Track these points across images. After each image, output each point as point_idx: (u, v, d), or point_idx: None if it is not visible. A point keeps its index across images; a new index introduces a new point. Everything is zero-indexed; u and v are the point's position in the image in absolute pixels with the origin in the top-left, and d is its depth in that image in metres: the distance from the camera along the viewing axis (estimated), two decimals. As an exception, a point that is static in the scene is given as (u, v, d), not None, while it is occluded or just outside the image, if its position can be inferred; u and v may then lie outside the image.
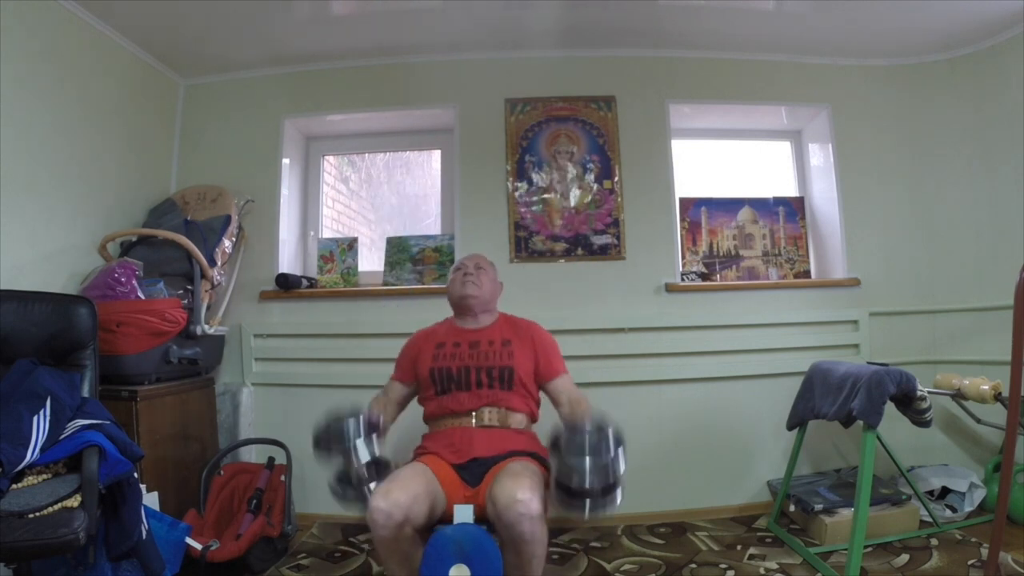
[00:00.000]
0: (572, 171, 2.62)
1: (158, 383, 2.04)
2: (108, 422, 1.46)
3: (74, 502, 1.26)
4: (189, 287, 2.19)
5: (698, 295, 2.57)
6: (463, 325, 1.83)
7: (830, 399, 1.96)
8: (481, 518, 1.45)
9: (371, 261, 2.86)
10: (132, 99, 2.43)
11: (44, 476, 1.32)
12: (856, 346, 2.56)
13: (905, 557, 1.89)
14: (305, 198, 2.87)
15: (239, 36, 2.43)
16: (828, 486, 2.25)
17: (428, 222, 2.93)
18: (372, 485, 1.42)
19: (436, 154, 2.92)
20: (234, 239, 2.41)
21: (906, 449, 2.40)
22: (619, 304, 2.51)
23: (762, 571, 1.86)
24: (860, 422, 1.80)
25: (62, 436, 1.38)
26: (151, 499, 1.82)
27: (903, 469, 2.17)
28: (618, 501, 1.34)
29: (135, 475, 1.41)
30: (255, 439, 2.32)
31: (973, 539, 2.00)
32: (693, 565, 1.93)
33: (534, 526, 1.30)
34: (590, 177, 2.62)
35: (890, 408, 1.81)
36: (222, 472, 2.18)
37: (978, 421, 2.30)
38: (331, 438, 1.44)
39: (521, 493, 1.29)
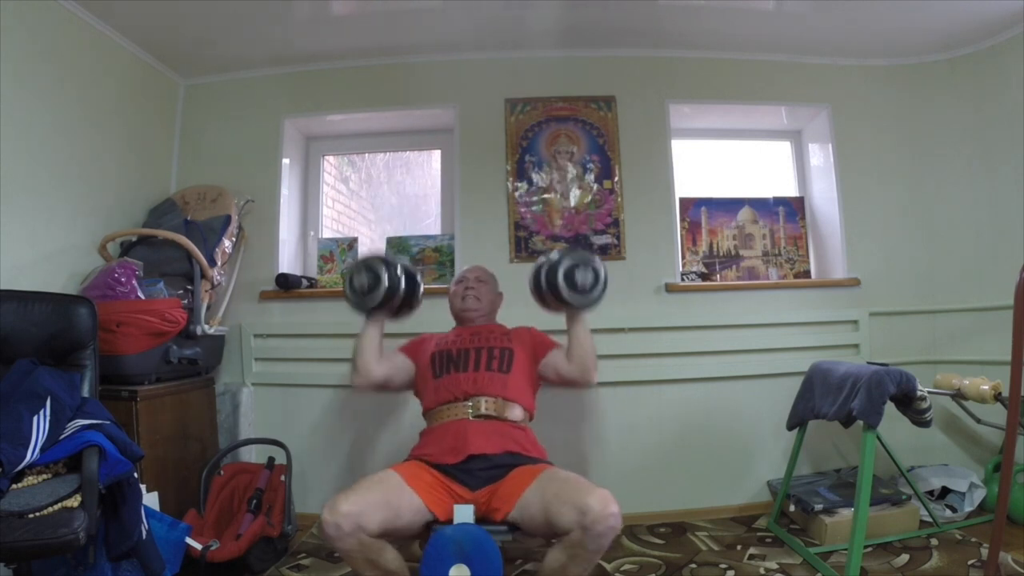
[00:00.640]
0: (572, 171, 2.62)
1: (158, 383, 2.04)
2: (108, 422, 1.46)
3: (74, 502, 1.26)
4: (189, 287, 2.19)
5: (698, 295, 2.57)
6: (466, 327, 1.96)
7: (830, 399, 1.96)
8: (481, 518, 1.45)
9: (371, 261, 2.87)
10: (132, 99, 2.43)
11: (44, 476, 1.32)
12: (856, 346, 2.56)
13: (905, 557, 1.89)
14: (305, 198, 2.87)
15: (239, 36, 2.43)
16: (828, 486, 2.25)
17: (428, 222, 2.93)
18: (402, 288, 1.71)
19: (436, 154, 2.92)
20: (234, 239, 2.41)
21: (906, 449, 2.40)
22: (619, 304, 2.49)
23: (762, 571, 1.86)
24: (860, 422, 1.80)
25: (62, 436, 1.38)
26: (151, 499, 1.82)
27: (903, 469, 2.17)
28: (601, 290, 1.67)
29: (135, 475, 1.41)
30: (255, 439, 2.32)
31: (973, 539, 2.00)
32: (693, 565, 1.93)
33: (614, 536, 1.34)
34: (590, 177, 2.62)
35: (890, 408, 1.81)
36: (222, 472, 2.17)
37: (978, 421, 2.30)
38: (374, 256, 1.75)
39: (613, 506, 1.30)
